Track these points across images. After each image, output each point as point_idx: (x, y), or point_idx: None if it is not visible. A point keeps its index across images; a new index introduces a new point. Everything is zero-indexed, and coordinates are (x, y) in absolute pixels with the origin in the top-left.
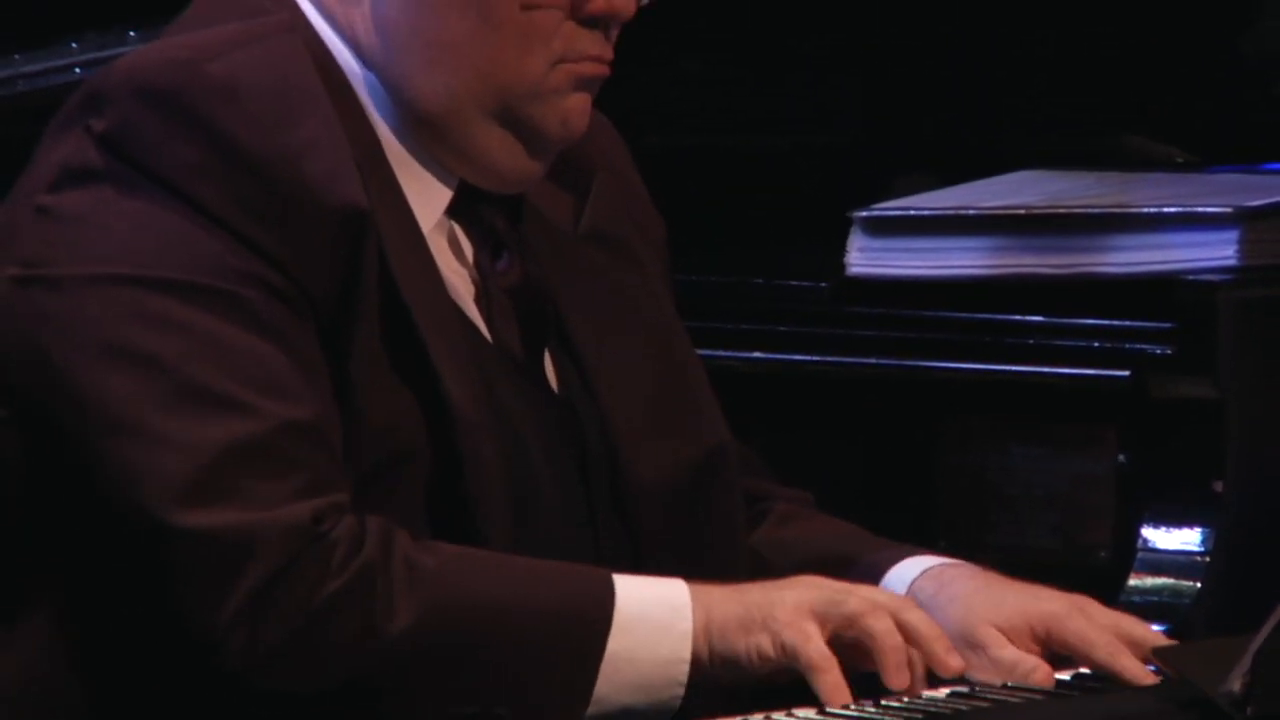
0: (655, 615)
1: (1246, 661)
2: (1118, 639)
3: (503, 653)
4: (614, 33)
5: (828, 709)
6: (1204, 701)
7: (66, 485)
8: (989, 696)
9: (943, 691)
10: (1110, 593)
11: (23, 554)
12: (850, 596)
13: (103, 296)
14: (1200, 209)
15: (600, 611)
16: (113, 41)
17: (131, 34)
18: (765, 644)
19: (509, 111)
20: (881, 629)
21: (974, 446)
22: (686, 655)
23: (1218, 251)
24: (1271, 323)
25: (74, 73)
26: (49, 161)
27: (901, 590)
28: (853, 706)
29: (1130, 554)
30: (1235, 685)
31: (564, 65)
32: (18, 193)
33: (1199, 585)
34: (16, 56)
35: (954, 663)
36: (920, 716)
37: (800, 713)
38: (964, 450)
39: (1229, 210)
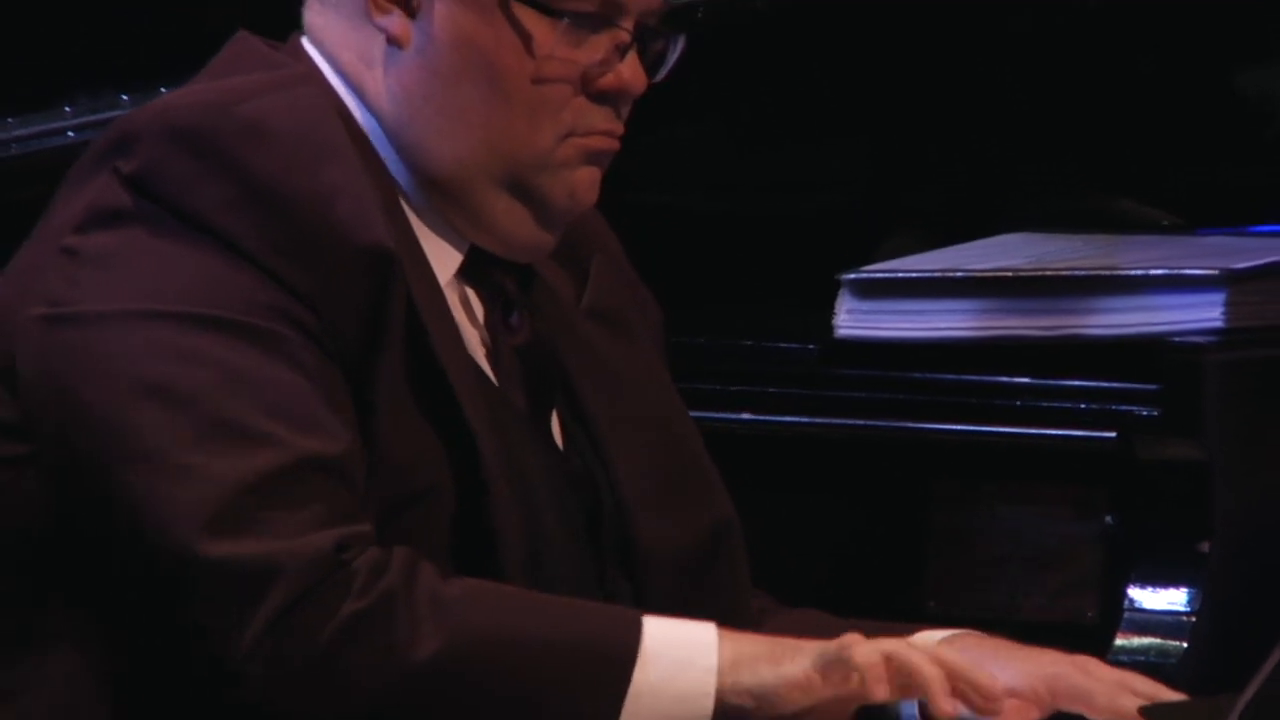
0: (680, 651)
1: None
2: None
3: (527, 684)
4: (625, 109)
5: None
6: None
7: (88, 520)
8: None
9: None
10: (1097, 653)
11: (47, 587)
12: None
13: (131, 332)
14: (1187, 271)
15: (627, 645)
16: (105, 105)
17: (124, 98)
18: (796, 671)
19: (518, 181)
20: (923, 662)
21: (962, 507)
22: (711, 690)
23: (1204, 314)
24: (1257, 385)
25: (67, 136)
26: (75, 204)
27: None
28: None
29: (1117, 614)
30: None
31: (573, 139)
32: (41, 236)
33: (1185, 645)
34: (9, 120)
35: (949, 707)
36: None
37: None
38: (952, 511)
39: (1215, 273)
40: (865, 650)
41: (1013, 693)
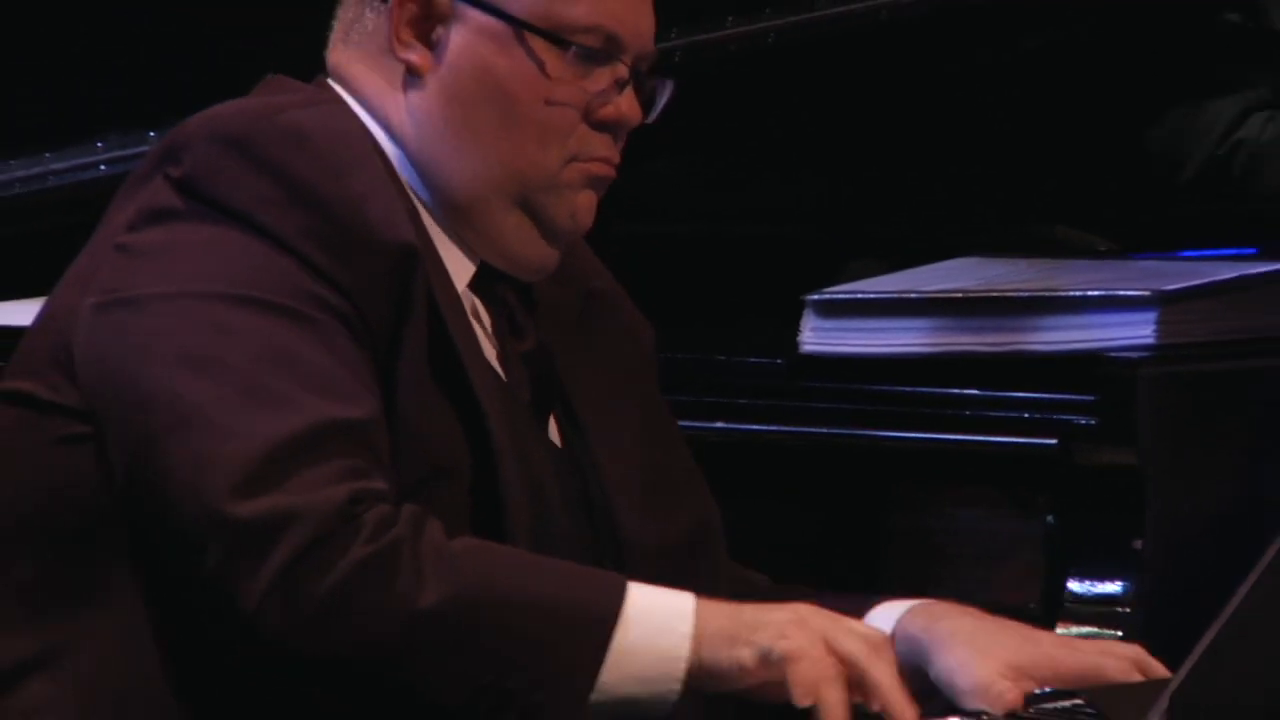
0: (660, 616)
1: (1164, 702)
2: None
3: (518, 635)
4: (621, 140)
5: None
6: None
7: (137, 489)
8: None
9: None
10: None
11: (100, 554)
12: (847, 634)
13: (176, 310)
14: (1121, 292)
15: (611, 606)
16: (134, 141)
17: (151, 134)
18: (746, 655)
19: (526, 199)
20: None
21: (917, 509)
22: (685, 654)
23: (1137, 331)
24: (1186, 397)
25: (99, 169)
26: (127, 209)
27: (889, 627)
28: None
29: (1058, 606)
30: None
31: (576, 163)
32: (96, 241)
33: (1120, 634)
34: (47, 155)
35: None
36: None
37: None
38: (908, 512)
39: (1148, 293)
40: (798, 641)
41: (1021, 669)
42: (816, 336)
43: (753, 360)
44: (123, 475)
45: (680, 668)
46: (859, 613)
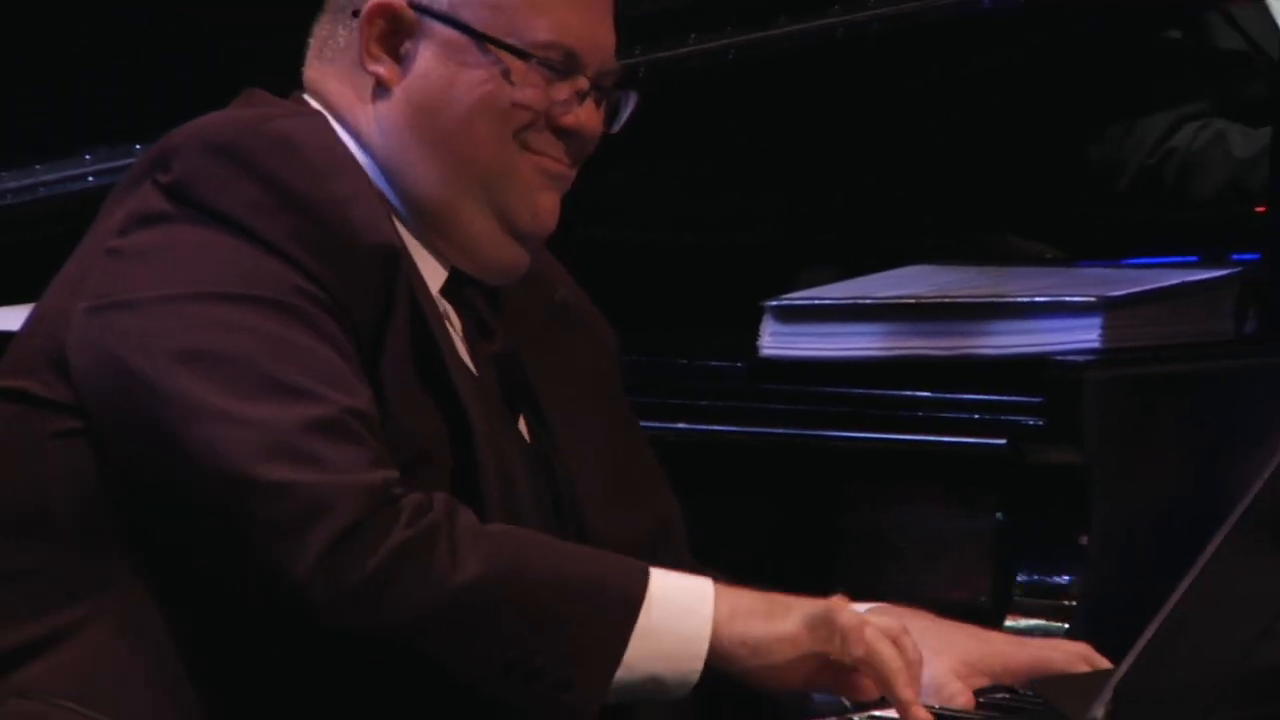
0: (682, 599)
1: (1108, 692)
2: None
3: (549, 613)
4: (581, 152)
5: None
6: None
7: (143, 481)
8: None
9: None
10: None
11: (98, 543)
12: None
13: (174, 312)
14: (1067, 298)
15: (636, 589)
16: (121, 153)
17: (138, 146)
18: (787, 627)
19: (489, 196)
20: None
21: (871, 506)
22: (706, 635)
23: (1083, 335)
24: (1130, 399)
25: (88, 180)
26: (116, 215)
27: None
28: None
29: (1007, 598)
30: (1099, 713)
31: (534, 157)
32: (86, 247)
33: (1066, 626)
34: (37, 167)
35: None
36: None
37: None
38: (862, 510)
39: (1093, 299)
40: (848, 615)
41: (969, 666)
42: (775, 341)
43: (714, 363)
44: (128, 469)
45: (702, 648)
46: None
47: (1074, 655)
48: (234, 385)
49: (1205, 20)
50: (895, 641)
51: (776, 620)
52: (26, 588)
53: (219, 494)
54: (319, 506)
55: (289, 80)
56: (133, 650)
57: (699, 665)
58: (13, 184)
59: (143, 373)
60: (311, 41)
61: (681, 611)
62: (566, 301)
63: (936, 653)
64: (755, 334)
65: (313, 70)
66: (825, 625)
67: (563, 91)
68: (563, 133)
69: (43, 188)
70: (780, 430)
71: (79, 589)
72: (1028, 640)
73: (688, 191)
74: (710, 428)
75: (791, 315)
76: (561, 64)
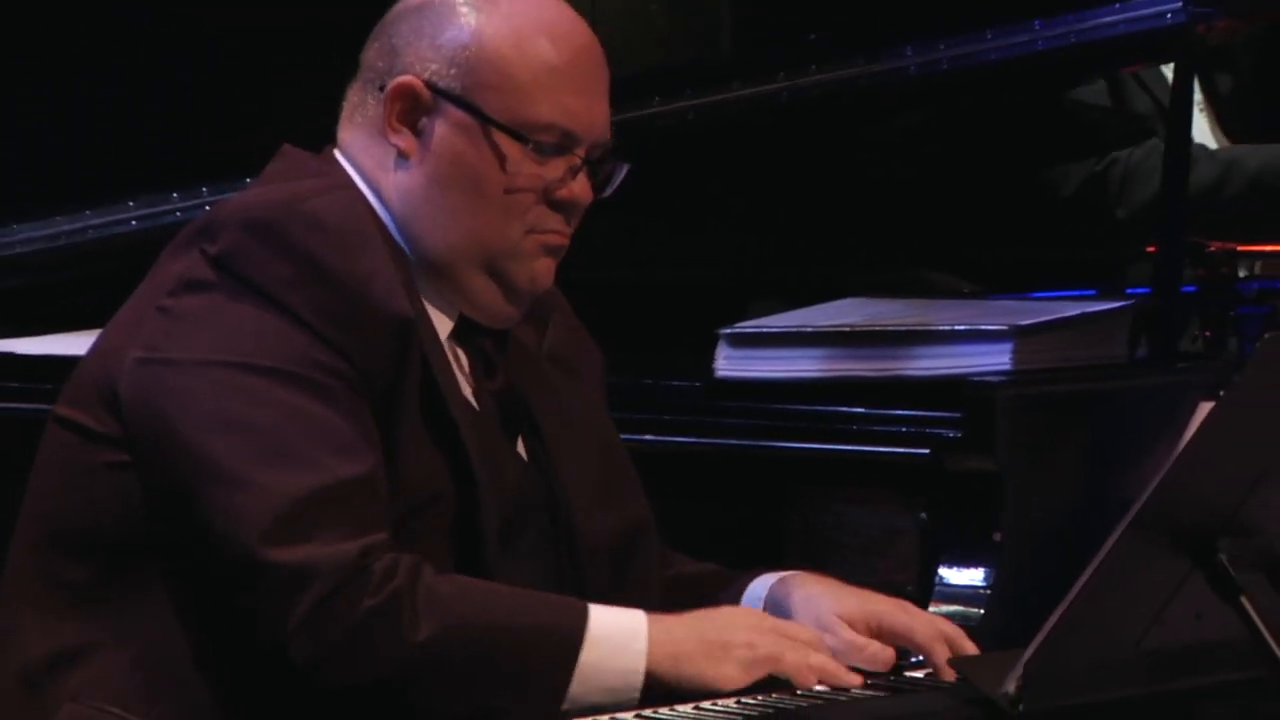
0: (618, 636)
1: (1019, 669)
2: (935, 631)
3: (498, 659)
4: (576, 217)
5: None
6: (987, 700)
7: (172, 518)
8: (804, 696)
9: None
10: None
11: (136, 563)
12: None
13: (211, 377)
14: (982, 327)
15: (575, 631)
16: (160, 201)
17: (174, 195)
18: (728, 671)
19: (492, 266)
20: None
21: (812, 508)
22: (641, 668)
23: (996, 359)
24: (1038, 414)
25: (130, 225)
26: (168, 274)
27: (763, 593)
28: (667, 710)
29: (930, 588)
30: (1010, 687)
31: (534, 235)
32: (140, 297)
33: (982, 612)
34: (87, 212)
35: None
36: (738, 717)
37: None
38: (804, 511)
39: (1004, 328)
40: (791, 657)
41: (853, 621)
42: (728, 364)
43: (675, 383)
44: (162, 508)
45: (638, 679)
46: (746, 582)
47: (940, 637)
48: (251, 452)
49: (1119, 80)
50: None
51: (715, 663)
52: (71, 593)
53: (228, 553)
54: (304, 577)
55: (318, 133)
56: (164, 662)
57: (636, 695)
58: (66, 227)
59: (177, 429)
60: (344, 104)
61: (617, 650)
62: (564, 329)
63: (836, 608)
64: (711, 358)
65: (345, 132)
66: (766, 666)
67: (559, 168)
68: (558, 205)
69: (91, 230)
70: (733, 441)
71: (120, 599)
72: (907, 608)
73: (653, 234)
74: (672, 439)
75: (743, 341)
76: (559, 144)
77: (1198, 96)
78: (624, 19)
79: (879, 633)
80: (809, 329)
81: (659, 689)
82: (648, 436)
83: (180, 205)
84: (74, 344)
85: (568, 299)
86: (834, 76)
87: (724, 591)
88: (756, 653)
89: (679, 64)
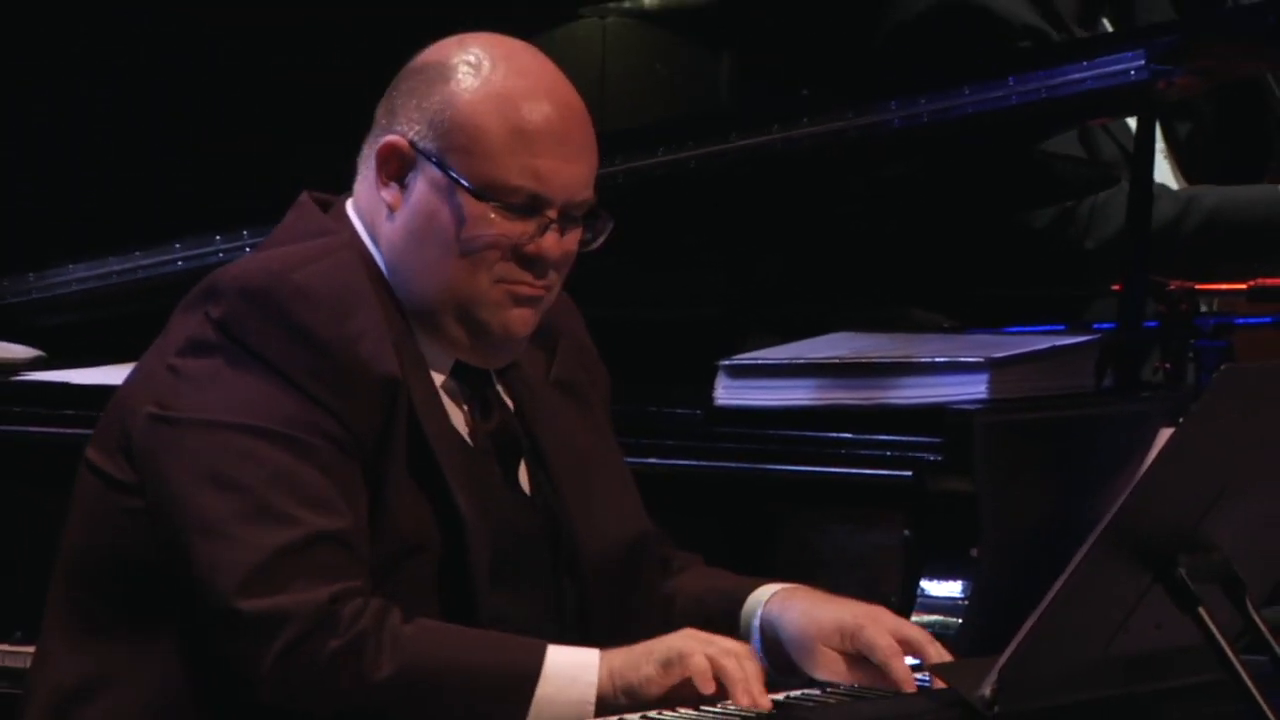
0: (570, 671)
1: (994, 674)
2: (897, 643)
3: (458, 694)
4: (553, 270)
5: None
6: (964, 703)
7: (169, 560)
8: (813, 700)
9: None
10: None
11: (148, 597)
12: (707, 646)
13: (206, 435)
14: (961, 359)
15: (532, 667)
16: (204, 243)
17: (217, 238)
18: (649, 671)
19: (464, 314)
20: (731, 665)
21: (804, 526)
22: (592, 698)
23: (973, 389)
24: (1012, 439)
25: (177, 264)
26: (179, 332)
27: (758, 608)
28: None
29: (912, 600)
30: (987, 690)
31: (502, 284)
32: (155, 352)
33: (961, 621)
34: (137, 253)
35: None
36: (735, 718)
37: None
38: (796, 528)
39: (981, 359)
40: (695, 649)
41: (827, 638)
42: (727, 393)
43: (678, 411)
44: (166, 554)
45: (589, 709)
46: (747, 589)
47: (879, 648)
48: (235, 509)
49: (1088, 130)
50: (736, 658)
51: (641, 669)
52: (95, 626)
53: (209, 602)
54: (276, 624)
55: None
56: (175, 698)
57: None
58: (116, 266)
59: (172, 482)
60: (360, 159)
61: (569, 681)
62: (570, 348)
63: (815, 620)
64: (711, 387)
65: (359, 183)
66: (677, 663)
67: (529, 226)
68: (527, 261)
69: (140, 270)
70: (731, 465)
71: (134, 637)
72: (879, 617)
73: (659, 274)
74: (674, 462)
75: (740, 372)
76: (526, 205)
77: (1160, 144)
78: (632, 77)
79: (851, 644)
80: (801, 361)
81: (610, 711)
82: (651, 460)
83: (223, 247)
84: (125, 375)
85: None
86: (824, 128)
87: (726, 595)
88: (671, 652)
89: (682, 117)
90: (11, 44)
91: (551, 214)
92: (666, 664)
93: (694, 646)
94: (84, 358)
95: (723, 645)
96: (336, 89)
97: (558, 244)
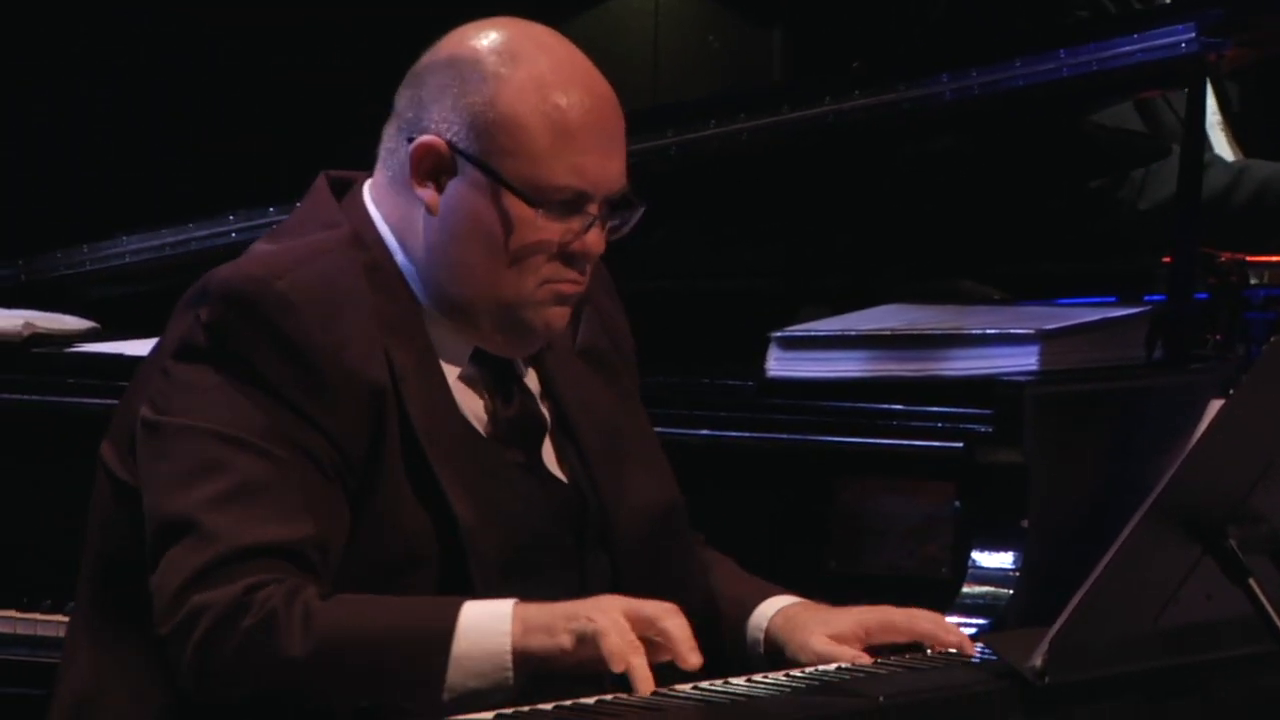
0: (485, 624)
1: (1045, 645)
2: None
3: (378, 659)
4: (589, 266)
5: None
6: (1015, 673)
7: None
8: (866, 670)
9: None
10: (949, 598)
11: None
12: (642, 603)
13: (182, 440)
14: (1012, 330)
15: (447, 625)
16: (257, 215)
17: (271, 209)
18: (565, 641)
19: (507, 315)
20: (673, 626)
21: (855, 497)
22: (508, 648)
23: (1024, 360)
24: (1062, 411)
25: (231, 236)
26: (175, 332)
27: (764, 623)
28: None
29: (963, 571)
30: (1037, 661)
31: (548, 285)
32: (157, 350)
33: (1011, 592)
34: (190, 225)
35: (695, 660)
36: (781, 688)
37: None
38: (848, 499)
39: (1032, 331)
40: (601, 618)
41: (839, 637)
42: (779, 365)
43: (730, 382)
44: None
45: (506, 660)
46: (756, 599)
47: (917, 617)
48: (192, 514)
49: (1147, 102)
50: (672, 616)
51: (553, 635)
52: (108, 626)
53: (161, 600)
54: (194, 619)
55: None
56: (183, 703)
57: (509, 675)
58: (170, 239)
59: (152, 486)
60: (380, 147)
61: (483, 635)
62: (595, 314)
63: (817, 628)
64: (763, 359)
65: (378, 175)
66: (590, 640)
67: (573, 224)
68: (572, 259)
69: (194, 242)
70: (783, 436)
71: (144, 638)
72: (877, 607)
73: (711, 247)
74: (727, 434)
75: (792, 344)
76: (571, 202)
77: (1217, 117)
78: (685, 51)
79: (876, 636)
80: (852, 333)
81: (526, 669)
82: (704, 431)
83: (276, 218)
84: None
85: (633, 304)
86: (876, 101)
87: (737, 603)
88: (587, 628)
89: (734, 90)
90: (70, 26)
91: (593, 209)
92: (580, 639)
93: (608, 624)
94: (138, 329)
95: (646, 612)
96: (398, 69)
97: (600, 239)
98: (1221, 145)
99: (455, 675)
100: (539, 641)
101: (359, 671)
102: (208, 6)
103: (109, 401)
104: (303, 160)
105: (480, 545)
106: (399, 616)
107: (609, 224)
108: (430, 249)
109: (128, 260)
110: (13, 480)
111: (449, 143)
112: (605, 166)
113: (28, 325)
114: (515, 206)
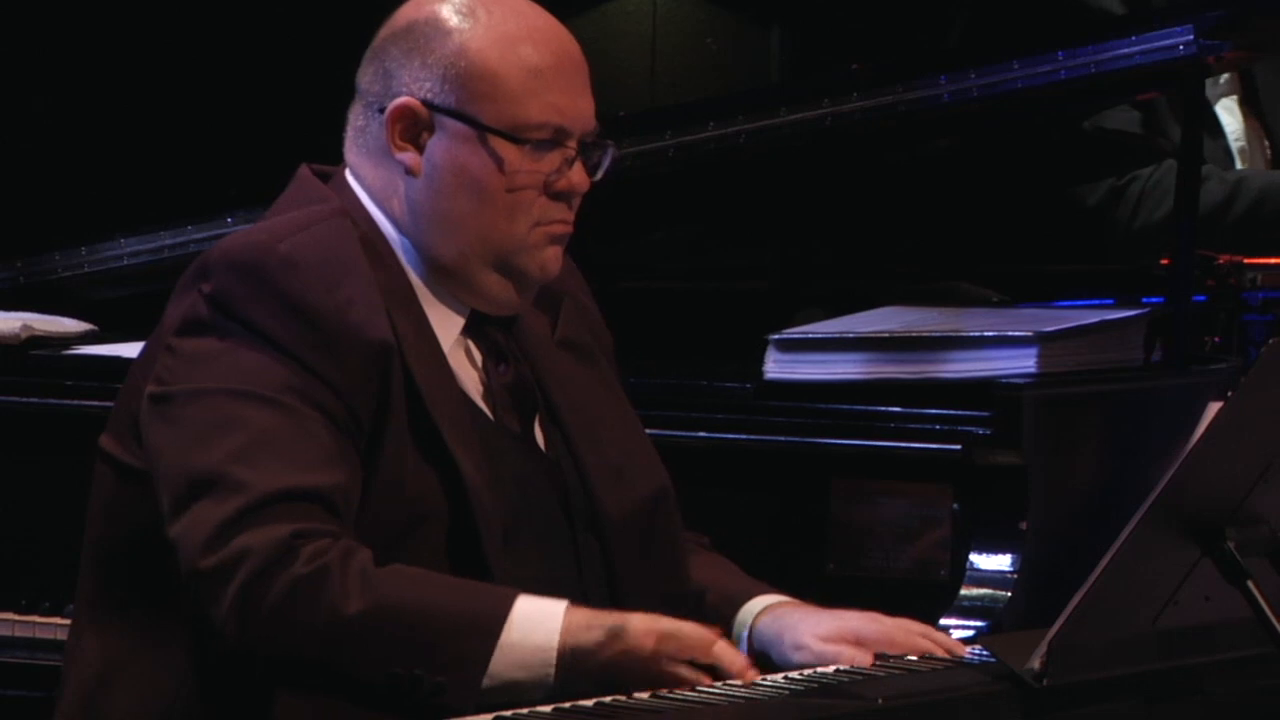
0: (535, 619)
1: (1043, 647)
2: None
3: (428, 634)
4: (576, 203)
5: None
6: (1013, 675)
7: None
8: (865, 672)
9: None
10: (947, 600)
11: (170, 582)
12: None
13: (194, 403)
14: (1010, 333)
15: (499, 613)
16: (256, 217)
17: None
18: (598, 635)
19: (502, 262)
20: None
21: (853, 499)
22: (554, 646)
23: (1022, 363)
24: (1060, 413)
25: None
26: (176, 312)
27: (749, 619)
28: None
29: (962, 572)
30: (1035, 663)
31: (540, 227)
32: (159, 331)
33: (1010, 594)
34: (189, 227)
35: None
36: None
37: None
38: (846, 501)
39: (1030, 334)
40: (641, 627)
41: (828, 639)
42: (776, 367)
43: (727, 384)
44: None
45: (550, 657)
46: (744, 598)
47: (914, 633)
48: (214, 469)
49: (1153, 105)
50: (722, 647)
51: (594, 632)
52: (116, 610)
53: (182, 558)
54: (235, 563)
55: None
56: (198, 680)
57: (551, 671)
58: (169, 240)
59: (165, 453)
60: (348, 128)
61: (534, 628)
62: (574, 309)
63: (808, 629)
64: (761, 361)
65: (351, 154)
66: (621, 636)
67: (555, 161)
68: (559, 195)
69: (193, 244)
70: (781, 438)
71: (155, 618)
72: (878, 618)
73: (709, 249)
74: (725, 436)
75: (790, 346)
76: (552, 139)
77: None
78: (683, 54)
79: (859, 645)
80: (850, 335)
81: (569, 669)
82: (701, 433)
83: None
84: None
85: (630, 307)
86: (873, 103)
87: (727, 598)
88: (629, 657)
89: (732, 92)
90: (70, 26)
91: (573, 146)
92: (613, 636)
93: (651, 648)
94: (136, 332)
95: (690, 641)
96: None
97: (583, 176)
98: (1236, 121)
99: (499, 663)
100: (576, 639)
101: (406, 640)
102: (208, 7)
103: (107, 404)
104: (302, 163)
105: (487, 504)
106: (454, 595)
107: (589, 163)
108: (418, 213)
109: (126, 262)
110: (11, 483)
111: (424, 101)
112: (578, 104)
113: (25, 328)
114: (500, 148)
